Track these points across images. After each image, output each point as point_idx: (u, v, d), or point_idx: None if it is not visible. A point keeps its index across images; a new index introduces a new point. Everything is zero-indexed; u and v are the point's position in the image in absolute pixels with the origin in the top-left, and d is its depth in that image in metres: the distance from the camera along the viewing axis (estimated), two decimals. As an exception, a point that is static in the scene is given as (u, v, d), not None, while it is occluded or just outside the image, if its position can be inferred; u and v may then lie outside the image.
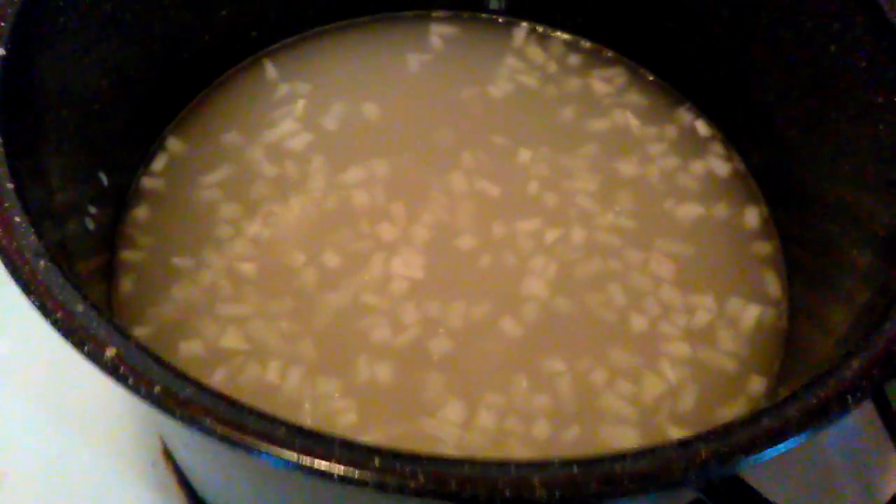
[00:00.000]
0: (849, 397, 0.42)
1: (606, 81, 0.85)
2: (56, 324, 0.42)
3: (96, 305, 0.43)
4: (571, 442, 0.63)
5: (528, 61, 0.86)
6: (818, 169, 0.70)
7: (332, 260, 0.70)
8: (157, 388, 0.40)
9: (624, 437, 0.64)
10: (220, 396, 0.40)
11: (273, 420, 0.40)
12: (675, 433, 0.64)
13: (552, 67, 0.85)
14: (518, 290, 0.70)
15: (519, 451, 0.62)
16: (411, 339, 0.67)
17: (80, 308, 0.42)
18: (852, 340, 0.50)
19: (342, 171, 0.76)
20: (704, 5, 0.77)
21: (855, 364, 0.44)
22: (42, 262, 0.44)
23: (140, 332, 0.67)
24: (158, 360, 0.41)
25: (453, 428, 0.63)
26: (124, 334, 0.42)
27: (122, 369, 0.40)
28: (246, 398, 0.61)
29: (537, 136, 0.80)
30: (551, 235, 0.73)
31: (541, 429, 0.63)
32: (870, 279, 0.59)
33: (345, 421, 0.63)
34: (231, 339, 0.66)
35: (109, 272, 0.70)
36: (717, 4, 0.76)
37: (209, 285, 0.69)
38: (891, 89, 0.60)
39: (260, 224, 0.72)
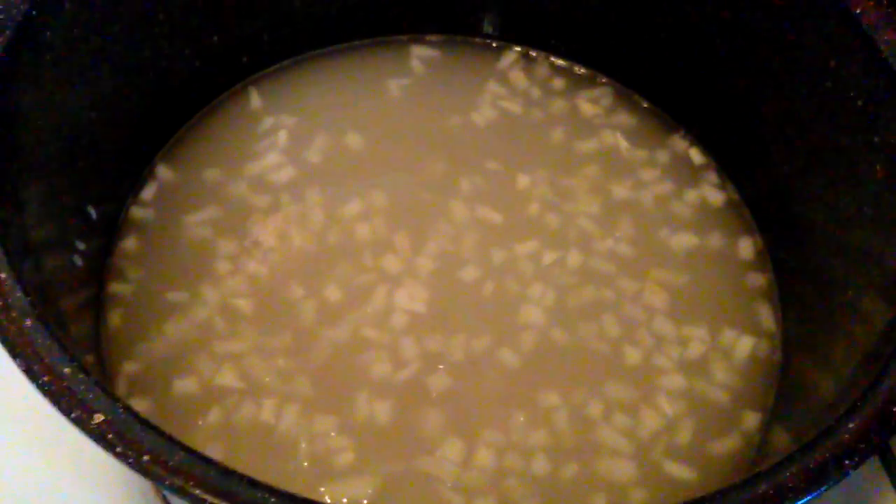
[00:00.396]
0: (846, 462, 0.42)
1: (595, 104, 0.84)
2: (43, 388, 0.41)
3: (84, 367, 0.42)
4: (570, 478, 0.63)
5: (510, 86, 0.85)
6: (814, 202, 0.70)
7: (333, 294, 0.70)
8: (145, 458, 0.39)
9: (621, 472, 0.64)
10: (210, 463, 0.40)
11: (264, 488, 0.39)
12: (671, 468, 0.64)
13: (535, 92, 0.84)
14: (516, 318, 0.70)
15: (518, 489, 0.62)
16: (411, 375, 0.66)
17: (67, 371, 0.42)
18: (856, 387, 0.50)
19: (341, 203, 0.74)
20: (701, 34, 0.76)
21: (852, 426, 0.43)
22: (28, 322, 0.43)
23: (130, 367, 0.66)
24: (147, 426, 0.41)
25: (451, 467, 0.62)
26: (113, 397, 0.41)
27: (109, 436, 0.40)
28: (241, 439, 0.62)
29: (532, 161, 0.79)
30: (549, 257, 0.73)
31: (540, 465, 0.63)
32: (872, 322, 0.58)
33: (342, 461, 0.62)
34: (226, 377, 0.65)
35: (98, 304, 0.69)
36: (713, 33, 0.75)
37: (204, 321, 0.68)
38: (887, 129, 0.60)
39: (256, 259, 0.71)
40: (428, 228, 0.74)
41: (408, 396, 0.65)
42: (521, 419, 0.65)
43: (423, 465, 0.62)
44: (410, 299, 0.69)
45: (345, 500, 0.61)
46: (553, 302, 0.71)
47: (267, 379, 0.65)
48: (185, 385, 0.65)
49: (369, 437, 0.63)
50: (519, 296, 0.71)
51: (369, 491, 0.61)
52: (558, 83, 0.85)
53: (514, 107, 0.83)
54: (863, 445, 0.42)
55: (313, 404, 0.65)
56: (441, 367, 0.67)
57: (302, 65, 0.85)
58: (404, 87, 0.83)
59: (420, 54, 0.86)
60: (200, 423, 0.64)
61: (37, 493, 0.71)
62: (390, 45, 0.87)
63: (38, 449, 0.72)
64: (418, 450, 0.63)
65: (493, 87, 0.84)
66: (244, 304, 0.69)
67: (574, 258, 0.73)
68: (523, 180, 0.78)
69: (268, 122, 0.80)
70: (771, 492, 0.41)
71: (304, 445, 0.63)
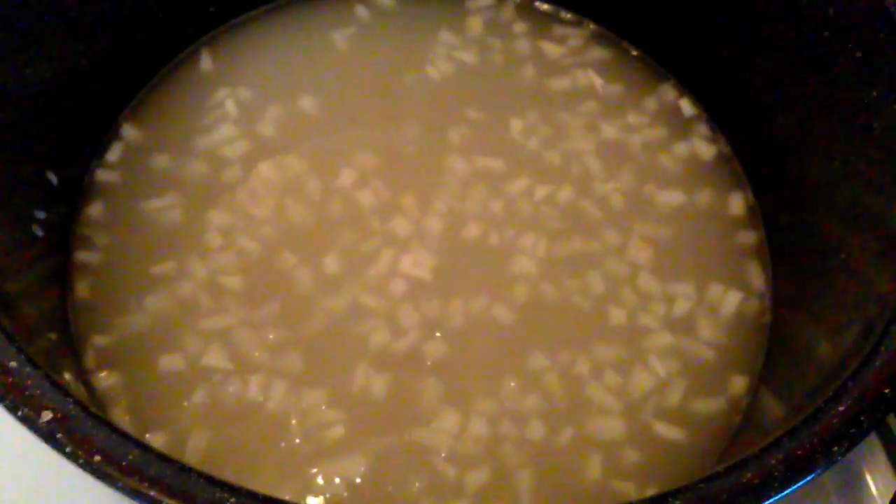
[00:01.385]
0: (834, 448, 0.40)
1: (566, 45, 0.80)
2: (-14, 384, 0.39)
3: (33, 359, 0.40)
4: (564, 441, 0.62)
5: (463, 34, 0.80)
6: (808, 158, 0.67)
7: (334, 263, 0.67)
8: (96, 458, 0.37)
9: (613, 432, 0.63)
10: (166, 461, 0.38)
11: (223, 486, 0.38)
12: (661, 428, 0.63)
13: (518, 40, 0.80)
14: (511, 269, 0.68)
15: (514, 456, 0.61)
16: (410, 344, 0.64)
17: (13, 365, 0.39)
18: (847, 363, 0.47)
19: (330, 171, 0.71)
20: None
21: (841, 409, 0.41)
22: (-30, 313, 0.41)
23: (100, 339, 0.64)
24: (100, 422, 0.38)
25: (445, 437, 0.61)
26: (63, 392, 0.39)
27: (58, 435, 0.37)
28: (229, 417, 0.60)
29: (516, 108, 0.76)
30: (541, 194, 0.71)
31: (534, 430, 0.62)
32: (865, 286, 0.56)
33: (334, 436, 0.60)
34: (213, 357, 0.62)
35: (64, 274, 0.66)
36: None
37: (184, 291, 0.65)
38: (886, 84, 0.56)
39: (248, 234, 0.68)
40: (432, 186, 0.71)
41: (404, 366, 0.63)
42: (513, 384, 0.63)
43: (417, 436, 0.61)
44: (416, 265, 0.67)
45: (337, 480, 0.59)
46: (545, 252, 0.69)
47: (257, 353, 0.63)
48: (166, 361, 0.62)
49: (362, 410, 0.62)
50: (514, 245, 0.69)
51: (362, 468, 0.59)
52: (520, 27, 0.81)
53: (489, 54, 0.79)
54: (853, 430, 0.40)
55: (305, 378, 0.62)
56: (438, 333, 0.65)
57: (271, 15, 0.80)
58: (351, 39, 0.79)
59: (373, 3, 0.82)
60: (186, 403, 0.61)
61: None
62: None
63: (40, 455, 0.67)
64: (412, 421, 0.61)
65: (446, 36, 0.80)
66: (232, 280, 0.66)
67: (568, 200, 0.72)
68: (516, 124, 0.75)
69: (222, 91, 0.75)
70: (756, 481, 0.39)
71: (294, 422, 0.61)
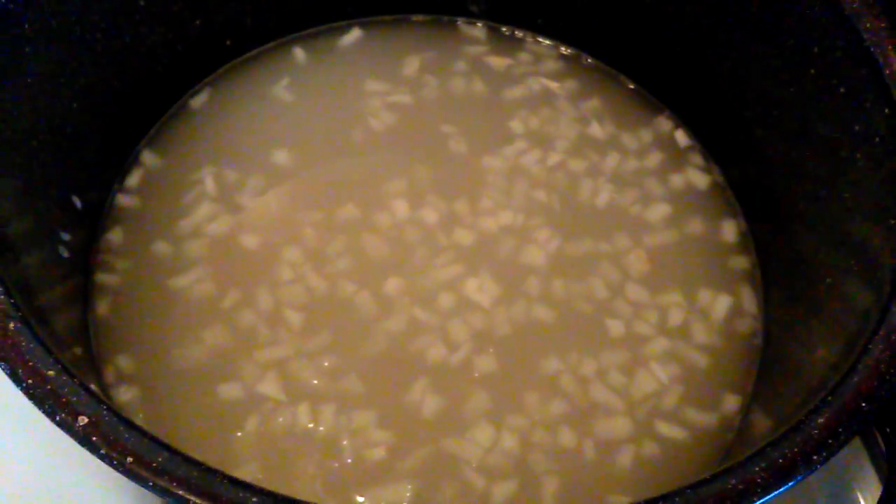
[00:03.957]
0: (814, 457, 0.43)
1: (578, 94, 0.83)
2: (27, 391, 0.41)
3: (68, 368, 0.43)
4: (587, 447, 0.65)
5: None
6: (797, 187, 0.70)
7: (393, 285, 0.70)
8: (129, 459, 0.40)
9: (618, 429, 0.66)
10: (192, 463, 0.41)
11: (246, 487, 0.40)
12: (663, 428, 0.66)
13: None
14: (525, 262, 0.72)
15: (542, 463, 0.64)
16: (462, 357, 0.67)
17: (51, 373, 0.42)
18: (830, 379, 0.50)
19: (383, 202, 0.74)
20: (687, 17, 0.76)
21: (821, 421, 0.44)
22: (12, 324, 0.44)
23: (120, 356, 0.66)
24: (132, 427, 0.41)
25: (478, 449, 0.63)
26: (98, 399, 0.42)
27: (94, 439, 0.40)
28: (280, 443, 0.62)
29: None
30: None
31: (561, 436, 0.65)
32: (852, 309, 0.58)
33: (381, 456, 0.62)
34: (268, 386, 0.65)
35: (86, 294, 0.69)
36: (699, 16, 0.75)
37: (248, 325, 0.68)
38: (868, 119, 0.60)
39: (317, 272, 0.71)
40: (480, 184, 0.75)
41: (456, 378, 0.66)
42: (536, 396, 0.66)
43: (451, 447, 0.63)
44: (480, 290, 0.70)
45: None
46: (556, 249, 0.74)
47: (315, 381, 0.65)
48: (223, 389, 0.65)
49: (413, 427, 0.64)
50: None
51: (408, 495, 0.61)
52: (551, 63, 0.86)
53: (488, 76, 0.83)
54: (831, 441, 0.43)
55: (351, 400, 0.65)
56: (492, 350, 0.67)
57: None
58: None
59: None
60: (239, 434, 0.63)
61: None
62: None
63: (43, 450, 0.69)
64: (449, 431, 0.64)
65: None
66: (292, 315, 0.68)
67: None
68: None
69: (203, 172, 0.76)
70: (741, 486, 0.42)
71: (346, 443, 0.63)
